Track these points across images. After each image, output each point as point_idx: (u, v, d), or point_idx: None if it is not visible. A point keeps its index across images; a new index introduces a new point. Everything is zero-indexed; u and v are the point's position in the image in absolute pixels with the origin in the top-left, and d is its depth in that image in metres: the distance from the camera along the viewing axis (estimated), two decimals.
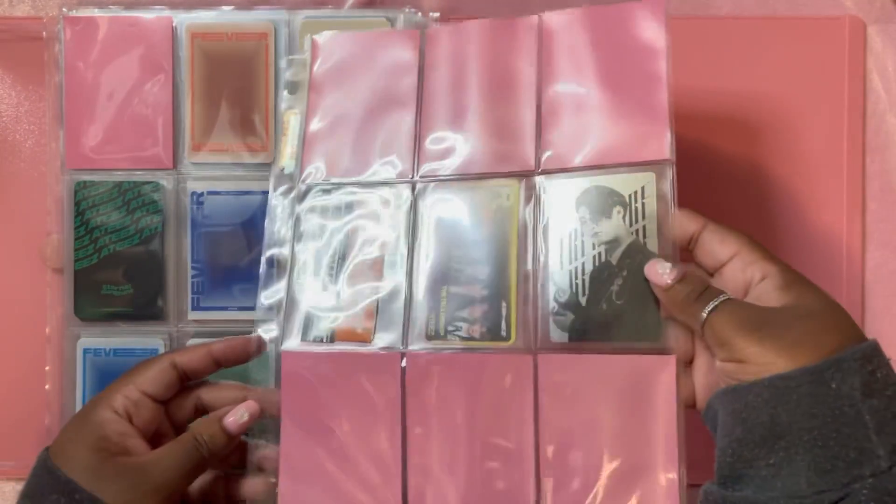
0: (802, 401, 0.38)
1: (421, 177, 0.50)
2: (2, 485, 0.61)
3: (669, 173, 0.45)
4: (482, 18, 0.51)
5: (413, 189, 0.50)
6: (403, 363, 0.48)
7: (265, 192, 0.58)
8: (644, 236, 0.45)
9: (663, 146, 0.45)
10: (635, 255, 0.45)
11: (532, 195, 0.48)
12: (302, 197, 0.52)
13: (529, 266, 0.47)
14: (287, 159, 0.53)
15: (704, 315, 0.42)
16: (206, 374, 0.51)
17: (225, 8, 0.59)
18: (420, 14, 0.59)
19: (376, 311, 0.49)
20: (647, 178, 0.45)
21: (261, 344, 0.51)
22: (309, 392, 0.49)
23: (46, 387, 0.59)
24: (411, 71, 0.52)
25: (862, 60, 0.60)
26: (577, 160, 0.47)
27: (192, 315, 0.58)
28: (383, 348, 0.48)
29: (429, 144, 0.51)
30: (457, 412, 0.47)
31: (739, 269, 0.43)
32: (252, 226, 0.58)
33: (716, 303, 0.42)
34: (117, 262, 0.58)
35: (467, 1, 0.61)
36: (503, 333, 0.47)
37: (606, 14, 0.48)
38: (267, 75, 0.58)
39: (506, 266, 0.48)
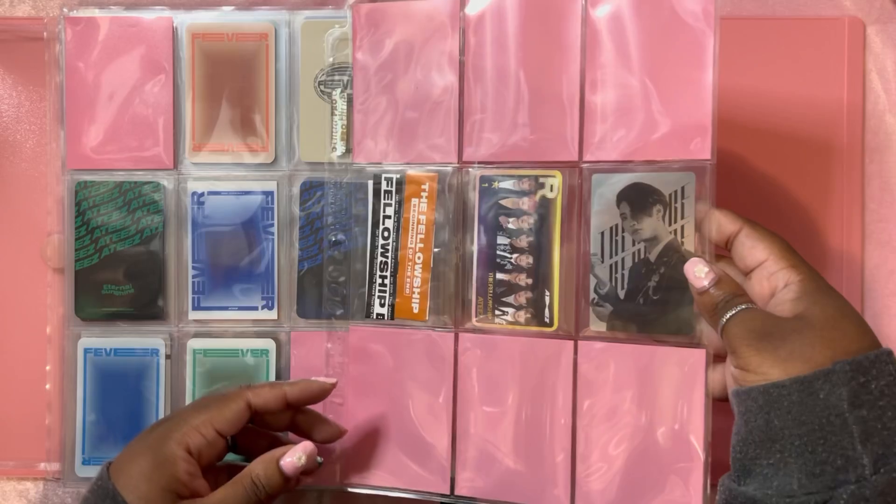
0: (793, 408, 0.40)
1: (465, 161, 0.52)
2: (2, 484, 0.61)
3: (709, 174, 0.46)
4: None
5: (459, 173, 0.52)
6: (455, 342, 0.52)
7: (266, 192, 0.58)
8: (682, 236, 0.47)
9: (706, 146, 0.46)
10: (672, 254, 0.47)
11: (575, 187, 0.50)
12: (355, 180, 0.54)
13: (572, 257, 0.50)
14: (337, 140, 0.54)
15: (723, 322, 0.44)
16: (277, 414, 0.51)
17: (225, 8, 0.59)
18: None
19: (430, 293, 0.53)
20: (687, 179, 0.47)
21: (333, 387, 0.52)
22: (372, 363, 0.53)
23: (47, 386, 0.59)
24: (453, 49, 0.52)
25: (861, 61, 0.60)
26: (620, 153, 0.48)
27: (193, 315, 0.58)
28: (437, 328, 0.53)
29: (472, 129, 0.51)
30: (503, 389, 0.51)
31: (765, 276, 0.45)
32: (252, 226, 0.58)
33: (734, 311, 0.44)
34: (118, 261, 0.58)
35: None
36: (547, 320, 0.50)
37: None
38: (267, 75, 0.58)
39: (550, 256, 0.50)
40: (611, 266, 0.49)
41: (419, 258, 0.53)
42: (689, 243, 0.47)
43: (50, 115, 0.60)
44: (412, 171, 0.53)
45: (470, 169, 0.52)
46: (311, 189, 0.58)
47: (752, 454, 0.41)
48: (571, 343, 0.50)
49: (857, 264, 0.59)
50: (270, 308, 0.58)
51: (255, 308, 0.58)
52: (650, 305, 0.48)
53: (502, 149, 0.51)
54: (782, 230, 0.59)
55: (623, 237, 0.48)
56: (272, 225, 0.58)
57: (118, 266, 0.58)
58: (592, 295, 0.49)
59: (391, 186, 0.53)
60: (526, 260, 0.50)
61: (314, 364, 0.57)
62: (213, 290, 0.58)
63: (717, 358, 0.47)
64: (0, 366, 0.61)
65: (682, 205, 0.47)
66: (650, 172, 0.48)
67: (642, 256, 0.48)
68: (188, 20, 0.58)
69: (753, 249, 0.45)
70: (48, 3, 0.63)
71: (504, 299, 0.51)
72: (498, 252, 0.51)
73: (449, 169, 0.52)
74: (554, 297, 0.50)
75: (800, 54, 0.60)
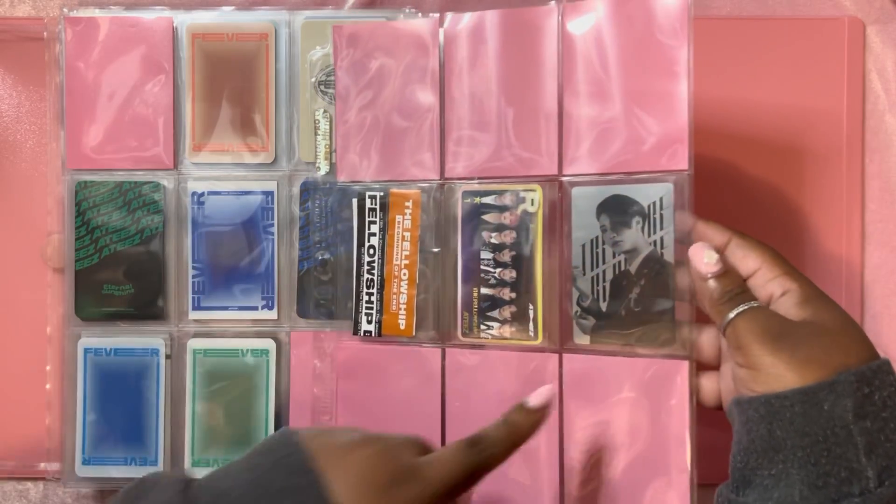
0: (795, 419, 0.39)
1: (447, 178, 0.52)
2: (2, 484, 0.61)
3: (688, 185, 0.46)
4: (499, 9, 0.51)
5: (442, 190, 0.52)
6: (442, 357, 0.52)
7: (266, 192, 0.58)
8: (661, 247, 0.47)
9: (683, 157, 0.46)
10: (653, 265, 0.47)
11: (555, 201, 0.50)
12: (338, 198, 0.55)
13: (555, 271, 0.50)
14: (321, 160, 0.54)
15: (731, 317, 0.43)
16: None
17: (225, 8, 0.59)
18: (420, 14, 0.59)
19: (416, 309, 0.53)
20: (665, 190, 0.47)
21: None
22: (360, 379, 0.53)
23: (47, 386, 0.59)
24: (433, 68, 0.52)
25: (861, 61, 0.60)
26: (599, 166, 0.48)
27: (193, 315, 0.58)
28: (424, 343, 0.53)
29: (453, 146, 0.51)
30: (490, 403, 0.51)
31: (761, 284, 0.44)
32: (252, 225, 0.58)
33: (744, 307, 0.43)
34: (118, 261, 0.58)
35: (467, 1, 0.61)
36: (531, 333, 0.50)
37: (627, 4, 0.47)
38: (267, 75, 0.58)
39: (532, 270, 0.50)
40: (592, 279, 0.49)
41: (405, 275, 0.53)
42: (669, 254, 0.47)
43: (50, 115, 0.60)
44: (396, 189, 0.53)
45: (452, 185, 0.52)
46: (310, 189, 0.58)
47: (753, 464, 0.40)
48: (556, 356, 0.50)
49: (857, 264, 0.59)
50: (270, 308, 0.58)
51: (255, 308, 0.58)
52: (632, 317, 0.48)
53: (483, 164, 0.51)
54: (782, 230, 0.60)
55: (603, 249, 0.48)
56: (272, 225, 0.58)
57: (118, 266, 0.58)
58: (575, 308, 0.49)
59: (375, 204, 0.53)
60: (509, 274, 0.50)
61: (315, 364, 0.57)
62: (213, 290, 0.58)
63: (709, 366, 0.47)
64: (0, 366, 0.61)
65: (661, 216, 0.47)
66: (629, 184, 0.48)
67: (623, 269, 0.48)
68: (188, 20, 0.58)
69: (746, 258, 0.45)
70: (48, 3, 0.63)
71: (489, 314, 0.51)
72: (482, 267, 0.51)
73: (431, 185, 0.52)
74: (538, 311, 0.50)
75: (800, 54, 0.60)
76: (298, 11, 0.58)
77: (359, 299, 0.54)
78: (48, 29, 0.59)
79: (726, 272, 0.44)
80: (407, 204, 0.53)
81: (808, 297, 0.43)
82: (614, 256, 0.48)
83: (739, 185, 0.59)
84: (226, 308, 0.58)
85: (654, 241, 0.47)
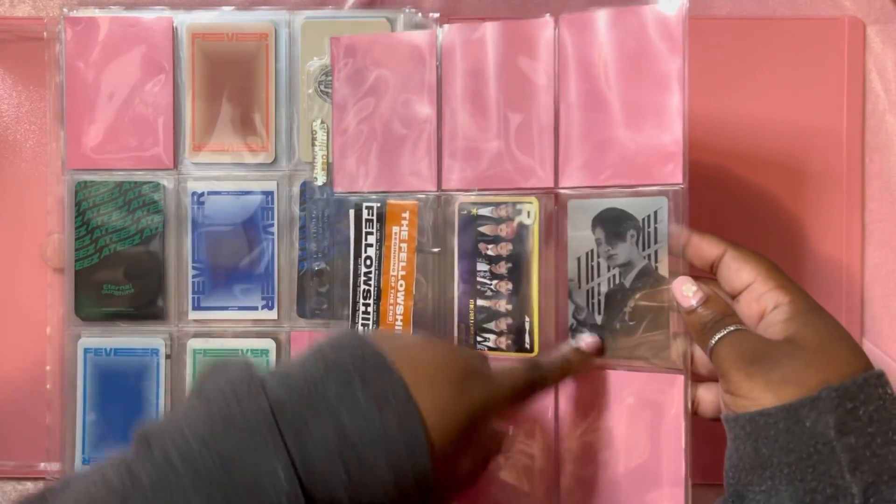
0: (780, 436, 0.39)
1: (444, 189, 0.52)
2: (2, 484, 0.61)
3: (682, 198, 0.46)
4: (494, 21, 0.51)
5: (438, 201, 0.52)
6: None
7: (265, 192, 0.58)
8: (656, 260, 0.47)
9: (678, 171, 0.46)
10: (647, 278, 0.47)
11: (551, 213, 0.50)
12: (335, 208, 0.54)
13: (551, 283, 0.50)
14: (318, 170, 0.55)
15: (712, 343, 0.43)
16: None
17: (225, 8, 0.59)
18: (420, 14, 0.59)
19: (412, 320, 0.52)
20: (659, 203, 0.46)
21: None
22: None
23: (47, 386, 0.59)
24: (431, 79, 0.52)
25: (861, 61, 0.60)
26: (595, 179, 0.48)
27: (193, 315, 0.58)
28: None
29: (450, 157, 0.51)
30: None
31: (754, 298, 0.44)
32: (252, 226, 0.58)
33: (723, 333, 0.43)
34: (118, 261, 0.58)
35: (467, 1, 0.61)
36: (527, 346, 0.50)
37: (623, 18, 0.48)
38: (267, 75, 0.58)
39: (529, 282, 0.50)
40: (587, 292, 0.49)
41: (401, 286, 0.53)
42: (663, 268, 0.47)
43: (50, 115, 0.60)
44: (392, 200, 0.53)
45: (449, 196, 0.52)
46: (310, 190, 0.58)
47: (744, 480, 0.40)
48: None
49: (857, 265, 0.59)
50: (270, 308, 0.58)
51: (255, 308, 0.58)
52: (626, 331, 0.48)
53: (480, 176, 0.51)
54: (782, 231, 0.60)
55: (598, 262, 0.48)
56: (272, 225, 0.58)
57: (118, 266, 0.58)
58: (571, 321, 0.49)
59: (372, 215, 0.53)
60: (506, 286, 0.50)
61: None
62: (213, 290, 0.58)
63: (708, 378, 0.47)
64: (0, 366, 0.61)
65: (655, 229, 0.47)
66: (624, 198, 0.48)
67: (617, 282, 0.48)
68: (188, 20, 0.58)
69: (739, 272, 0.44)
70: (48, 3, 0.63)
71: (485, 325, 0.51)
72: (478, 279, 0.51)
73: (428, 197, 0.52)
74: (534, 323, 0.50)
75: (800, 54, 0.60)
76: (298, 11, 0.58)
77: (355, 310, 0.54)
78: (48, 29, 0.59)
79: (708, 299, 0.44)
80: (404, 215, 0.53)
81: (797, 312, 0.42)
82: (609, 270, 0.48)
83: (739, 186, 0.59)
84: (226, 308, 0.58)
85: (649, 255, 0.47)
